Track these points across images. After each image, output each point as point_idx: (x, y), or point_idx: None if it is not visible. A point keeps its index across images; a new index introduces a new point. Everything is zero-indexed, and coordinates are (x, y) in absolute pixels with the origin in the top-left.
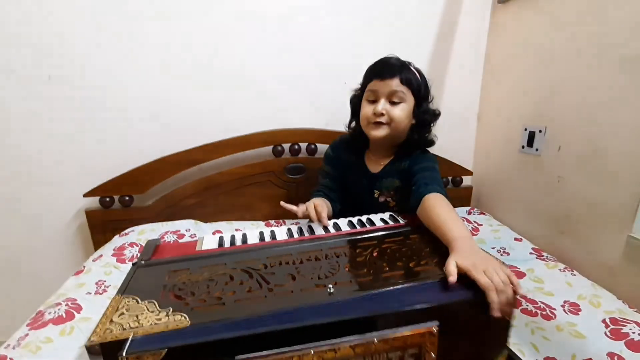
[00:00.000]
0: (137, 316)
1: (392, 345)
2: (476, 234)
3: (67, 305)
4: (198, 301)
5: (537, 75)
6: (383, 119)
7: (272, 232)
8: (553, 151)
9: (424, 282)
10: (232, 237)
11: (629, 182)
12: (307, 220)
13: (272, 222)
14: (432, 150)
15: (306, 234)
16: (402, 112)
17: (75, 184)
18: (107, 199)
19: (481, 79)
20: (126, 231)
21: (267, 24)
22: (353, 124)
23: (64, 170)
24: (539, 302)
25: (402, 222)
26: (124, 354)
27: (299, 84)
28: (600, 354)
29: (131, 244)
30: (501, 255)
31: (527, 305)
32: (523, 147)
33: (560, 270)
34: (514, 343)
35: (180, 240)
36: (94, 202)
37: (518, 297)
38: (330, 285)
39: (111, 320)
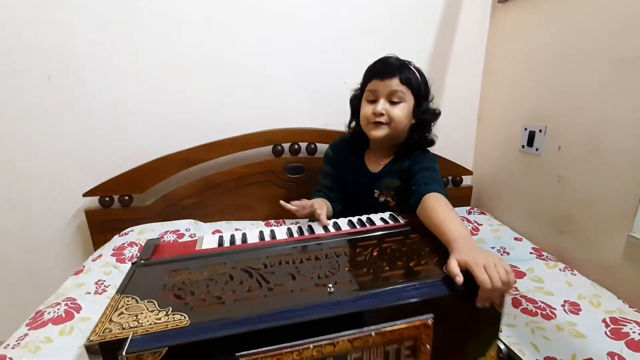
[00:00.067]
0: (136, 316)
1: (389, 338)
2: (476, 234)
3: (66, 305)
4: (198, 301)
5: (537, 75)
6: (383, 119)
7: (272, 232)
8: (553, 151)
9: (424, 282)
10: (232, 237)
11: (629, 182)
12: (307, 220)
13: (272, 221)
14: (432, 150)
15: (306, 234)
16: (401, 111)
17: (74, 183)
18: (107, 199)
19: (481, 79)
20: (126, 231)
21: (267, 24)
22: (353, 123)
23: (64, 169)
24: (539, 302)
25: (402, 221)
26: (123, 353)
27: (299, 84)
28: (601, 353)
29: (131, 244)
30: (501, 255)
31: (527, 305)
32: (523, 146)
33: (560, 269)
34: (515, 343)
35: (180, 240)
36: (93, 201)
37: (512, 291)
38: (330, 285)
39: (110, 320)
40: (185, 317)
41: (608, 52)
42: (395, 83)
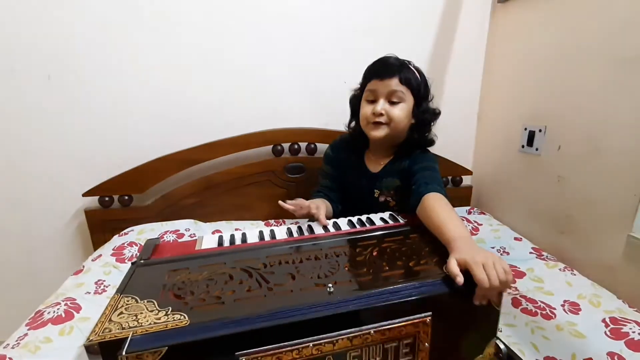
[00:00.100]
0: (136, 315)
1: (388, 336)
2: (476, 234)
3: (66, 305)
4: (197, 300)
5: (537, 74)
6: (382, 119)
7: (272, 232)
8: (553, 151)
9: (423, 282)
10: (232, 237)
11: (629, 182)
12: (307, 219)
13: (272, 221)
14: (432, 149)
15: (306, 234)
16: (401, 112)
17: (74, 183)
18: (107, 199)
19: (481, 79)
20: (125, 231)
21: (267, 24)
22: (353, 123)
23: (64, 169)
24: (539, 302)
25: (402, 221)
26: (123, 353)
27: (299, 84)
28: (600, 353)
29: (130, 244)
30: (501, 254)
31: (527, 305)
32: (523, 146)
33: (560, 269)
34: (514, 343)
35: (179, 240)
36: (93, 201)
37: (512, 293)
38: (330, 285)
39: (110, 320)
40: (184, 316)
41: (608, 52)
42: (394, 83)
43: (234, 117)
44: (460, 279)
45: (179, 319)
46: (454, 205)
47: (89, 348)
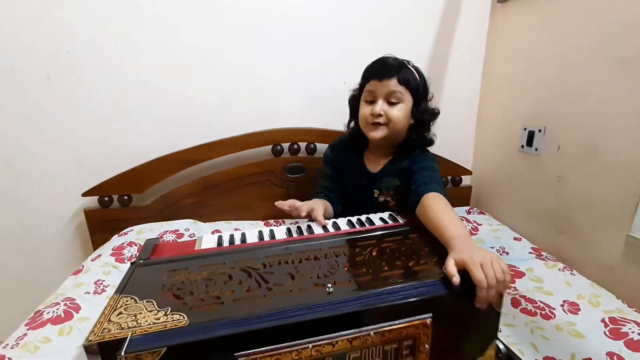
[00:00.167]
0: (135, 316)
1: (388, 337)
2: (475, 234)
3: (65, 305)
4: (197, 300)
5: (537, 74)
6: (381, 120)
7: (271, 232)
8: (552, 151)
9: (423, 282)
10: (231, 237)
11: (628, 182)
12: (307, 219)
13: (272, 221)
14: (432, 149)
15: (305, 234)
16: (400, 112)
17: (74, 183)
18: (106, 199)
19: (480, 79)
20: (125, 231)
21: (267, 24)
22: (352, 124)
23: (63, 169)
24: (538, 302)
25: (401, 221)
26: (122, 353)
27: (299, 84)
28: (600, 353)
29: (130, 244)
30: (500, 254)
31: (527, 305)
32: (522, 146)
33: (559, 269)
34: (514, 343)
35: (179, 240)
36: (92, 201)
37: (511, 294)
38: (330, 285)
39: (109, 320)
40: (184, 317)
41: (608, 52)
42: (393, 84)
43: (234, 117)
44: (456, 279)
45: (178, 319)
46: (453, 205)
47: (88, 348)
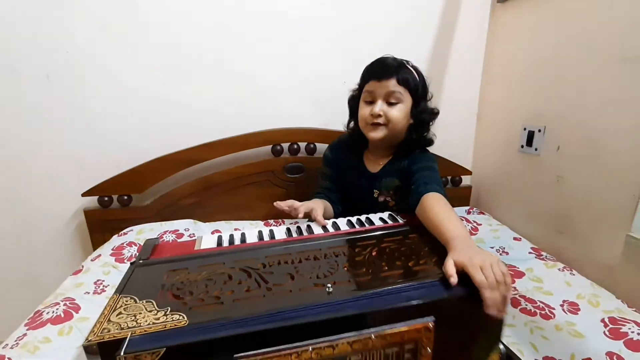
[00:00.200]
0: (135, 316)
1: (389, 341)
2: (475, 234)
3: (65, 305)
4: (196, 300)
5: (537, 74)
6: (380, 120)
7: (271, 232)
8: (552, 151)
9: (423, 282)
10: (231, 237)
11: (628, 182)
12: (306, 219)
13: (271, 221)
14: (432, 149)
15: (305, 234)
16: (399, 112)
17: (73, 183)
18: (106, 199)
19: (480, 79)
20: (125, 231)
21: (267, 24)
22: (351, 124)
23: (63, 169)
24: (538, 302)
25: (401, 221)
26: (122, 353)
27: (299, 84)
28: (599, 353)
29: (130, 244)
30: (500, 254)
31: (526, 305)
32: (522, 146)
33: (559, 269)
34: (513, 343)
35: (178, 240)
36: (92, 201)
37: (511, 294)
38: (329, 285)
39: (109, 320)
40: (183, 317)
41: (608, 52)
42: (392, 84)
43: (234, 117)
44: (454, 280)
45: (178, 319)
46: (453, 205)
47: (87, 348)
